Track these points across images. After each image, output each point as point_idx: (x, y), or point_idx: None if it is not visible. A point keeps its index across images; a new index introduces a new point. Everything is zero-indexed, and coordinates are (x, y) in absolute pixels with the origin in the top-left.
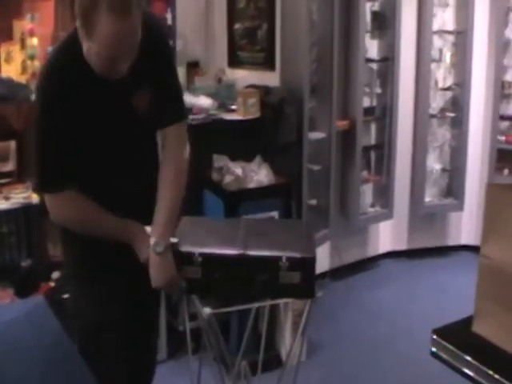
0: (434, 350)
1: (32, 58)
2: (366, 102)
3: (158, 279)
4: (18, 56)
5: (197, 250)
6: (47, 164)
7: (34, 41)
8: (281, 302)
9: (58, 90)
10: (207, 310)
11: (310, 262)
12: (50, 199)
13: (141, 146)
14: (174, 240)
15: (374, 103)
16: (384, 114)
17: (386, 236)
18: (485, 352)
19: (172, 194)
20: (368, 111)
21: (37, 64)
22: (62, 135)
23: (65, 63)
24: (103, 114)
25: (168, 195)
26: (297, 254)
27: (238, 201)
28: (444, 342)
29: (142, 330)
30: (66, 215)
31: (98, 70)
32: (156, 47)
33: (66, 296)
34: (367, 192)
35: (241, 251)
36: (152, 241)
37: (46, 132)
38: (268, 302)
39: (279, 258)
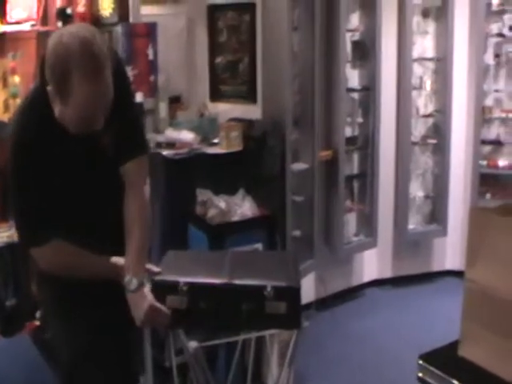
0: (420, 375)
1: (14, 96)
2: (348, 132)
3: (139, 317)
4: (0, 94)
5: (182, 279)
6: (29, 219)
7: (16, 79)
8: (267, 333)
9: (29, 147)
10: (193, 344)
11: (296, 291)
12: (37, 252)
13: (111, 182)
14: (157, 270)
15: (356, 132)
16: (366, 143)
17: (371, 264)
18: (472, 376)
19: (139, 232)
20: (350, 141)
21: (19, 102)
22: (37, 188)
23: (33, 120)
24: (73, 160)
25: (135, 234)
26: (282, 283)
27: (222, 234)
28: (430, 367)
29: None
30: (55, 264)
31: (74, 129)
32: (114, 81)
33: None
34: (351, 221)
35: (226, 280)
36: (125, 280)
37: (22, 188)
38: (254, 334)
39: (264, 287)
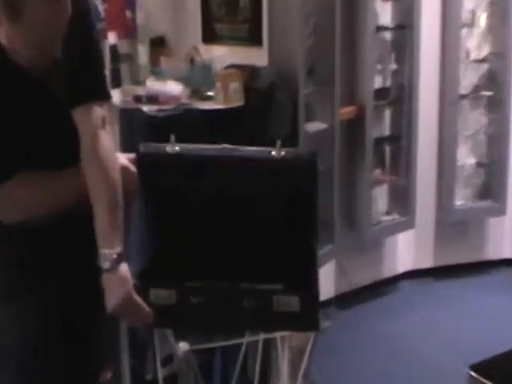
0: None
1: None
2: (378, 83)
3: (110, 304)
4: None
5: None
6: None
7: None
8: (276, 335)
9: None
10: (184, 347)
11: (312, 283)
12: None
13: (68, 126)
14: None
15: (388, 83)
16: (401, 96)
17: (407, 251)
18: None
19: (105, 195)
20: (380, 94)
21: None
22: None
23: None
24: (21, 102)
25: (100, 198)
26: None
27: None
28: (485, 380)
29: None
30: (23, 199)
31: (27, 57)
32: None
33: None
34: (381, 196)
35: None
36: (99, 257)
37: None
38: (260, 337)
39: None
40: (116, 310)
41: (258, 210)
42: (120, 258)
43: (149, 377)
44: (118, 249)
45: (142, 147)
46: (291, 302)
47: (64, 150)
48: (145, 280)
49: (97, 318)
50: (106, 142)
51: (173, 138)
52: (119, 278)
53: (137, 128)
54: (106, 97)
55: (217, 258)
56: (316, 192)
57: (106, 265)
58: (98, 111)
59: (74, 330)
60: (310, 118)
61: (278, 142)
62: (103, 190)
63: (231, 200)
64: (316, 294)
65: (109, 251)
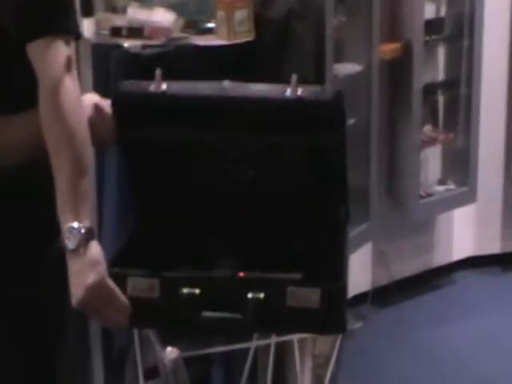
0: None
1: None
2: (430, 12)
3: (77, 292)
4: None
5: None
6: None
7: None
8: (293, 339)
9: None
10: (172, 353)
11: (337, 271)
12: None
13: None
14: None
15: (443, 13)
16: (460, 29)
17: (466, 232)
18: None
19: (67, 161)
20: (433, 26)
21: None
22: None
23: None
24: None
25: (61, 159)
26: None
27: None
28: None
29: None
30: None
31: None
32: None
33: None
34: (433, 160)
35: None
36: (62, 233)
37: None
38: (272, 340)
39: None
40: (84, 302)
41: (265, 171)
42: (89, 235)
43: None
44: (86, 223)
45: (119, 87)
46: (310, 296)
47: (18, 94)
48: (120, 266)
49: (62, 320)
50: (71, 91)
51: (159, 73)
52: (88, 259)
53: (115, 69)
54: (74, 30)
55: (213, 238)
56: (344, 146)
57: (70, 244)
58: (63, 49)
59: (30, 342)
60: (339, 58)
61: (294, 77)
62: (66, 150)
63: (231, 156)
64: (342, 285)
65: (73, 226)
